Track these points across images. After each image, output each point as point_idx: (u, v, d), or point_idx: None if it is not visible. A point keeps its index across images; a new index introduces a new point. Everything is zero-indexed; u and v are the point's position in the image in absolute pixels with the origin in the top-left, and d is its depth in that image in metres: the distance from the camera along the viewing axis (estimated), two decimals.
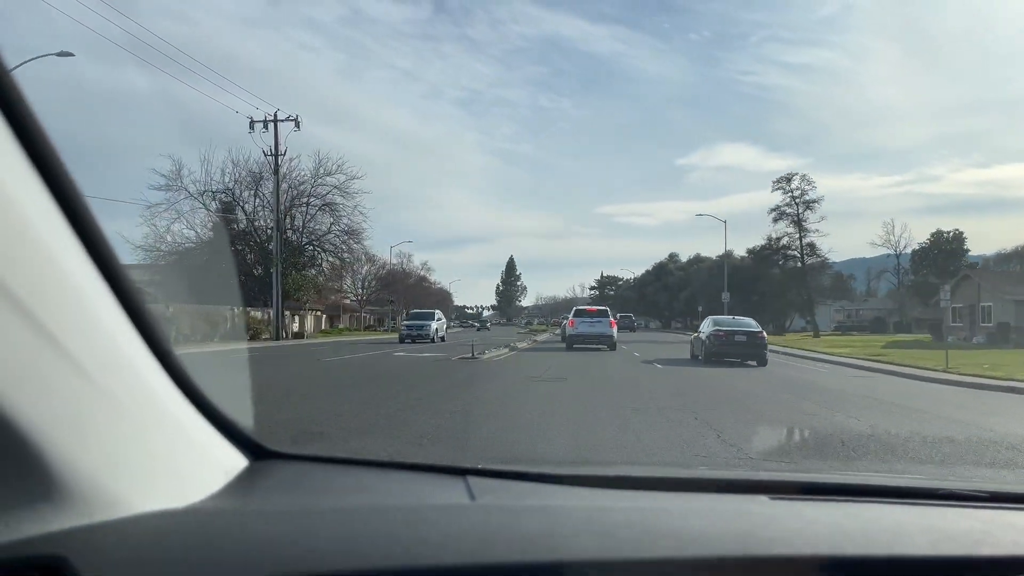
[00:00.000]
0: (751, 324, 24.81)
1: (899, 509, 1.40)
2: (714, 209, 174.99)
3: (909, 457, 7.54)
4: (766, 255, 79.50)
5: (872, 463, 7.14)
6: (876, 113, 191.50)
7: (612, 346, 30.83)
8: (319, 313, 71.43)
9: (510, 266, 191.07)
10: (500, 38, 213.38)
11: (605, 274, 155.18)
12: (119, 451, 1.04)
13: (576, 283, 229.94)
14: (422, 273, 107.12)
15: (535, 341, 42.19)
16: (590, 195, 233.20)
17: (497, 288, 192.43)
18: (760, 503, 1.37)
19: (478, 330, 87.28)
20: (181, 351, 1.30)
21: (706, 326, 25.57)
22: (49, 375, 0.92)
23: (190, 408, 1.24)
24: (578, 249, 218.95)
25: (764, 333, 24.16)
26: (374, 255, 72.98)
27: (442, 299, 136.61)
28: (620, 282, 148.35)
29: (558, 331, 45.36)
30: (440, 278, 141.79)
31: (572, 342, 31.30)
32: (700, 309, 76.02)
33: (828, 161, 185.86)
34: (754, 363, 23.22)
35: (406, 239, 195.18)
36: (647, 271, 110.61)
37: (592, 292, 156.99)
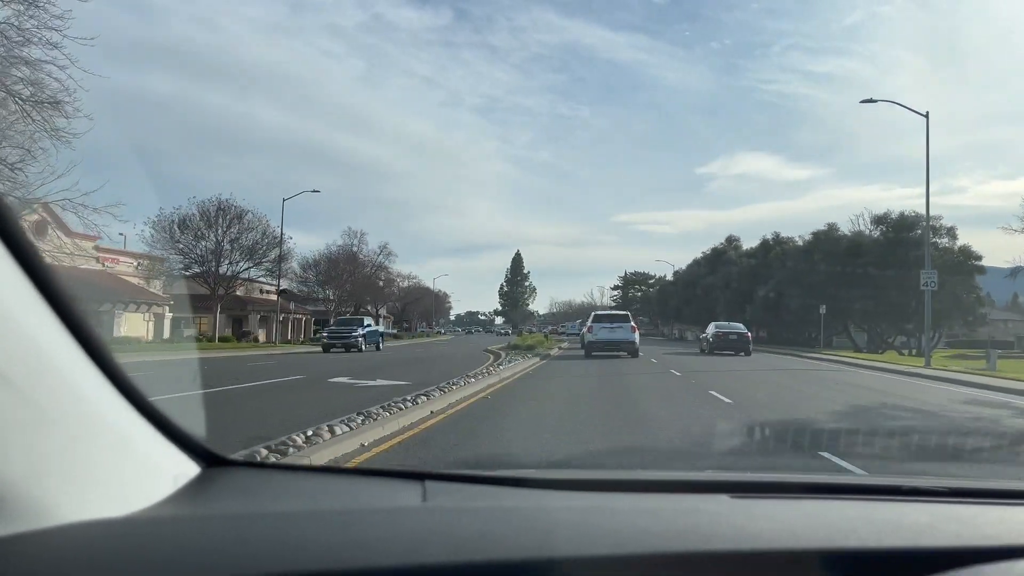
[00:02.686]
0: (740, 327, 36.30)
1: (854, 505, 1.42)
2: (733, 219, 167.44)
3: None
4: (898, 224, 48.81)
5: None
6: (900, 123, 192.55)
7: (634, 353, 29.30)
8: (155, 308, 41.49)
9: (516, 264, 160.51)
10: (520, 45, 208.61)
11: (631, 272, 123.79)
12: (48, 459, 1.00)
13: (595, 285, 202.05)
14: (380, 260, 76.80)
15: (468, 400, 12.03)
16: (608, 203, 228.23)
17: (501, 289, 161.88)
18: (719, 502, 1.38)
19: (327, 341, 37.92)
20: None
21: (710, 329, 37.25)
22: None
23: (135, 415, 1.20)
24: (596, 257, 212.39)
25: (749, 333, 35.53)
26: (244, 209, 42.73)
27: (417, 298, 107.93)
28: (651, 280, 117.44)
29: (565, 343, 42.24)
30: (442, 283, 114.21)
31: (591, 349, 30.04)
32: (823, 312, 45.72)
33: (850, 171, 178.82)
34: (743, 353, 33.17)
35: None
36: (695, 261, 79.84)
37: (614, 295, 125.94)
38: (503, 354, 29.38)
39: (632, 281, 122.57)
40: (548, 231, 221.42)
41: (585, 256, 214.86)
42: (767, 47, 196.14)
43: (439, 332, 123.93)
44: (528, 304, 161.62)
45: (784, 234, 64.86)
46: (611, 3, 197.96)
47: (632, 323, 30.48)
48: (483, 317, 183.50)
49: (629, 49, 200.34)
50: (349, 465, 6.35)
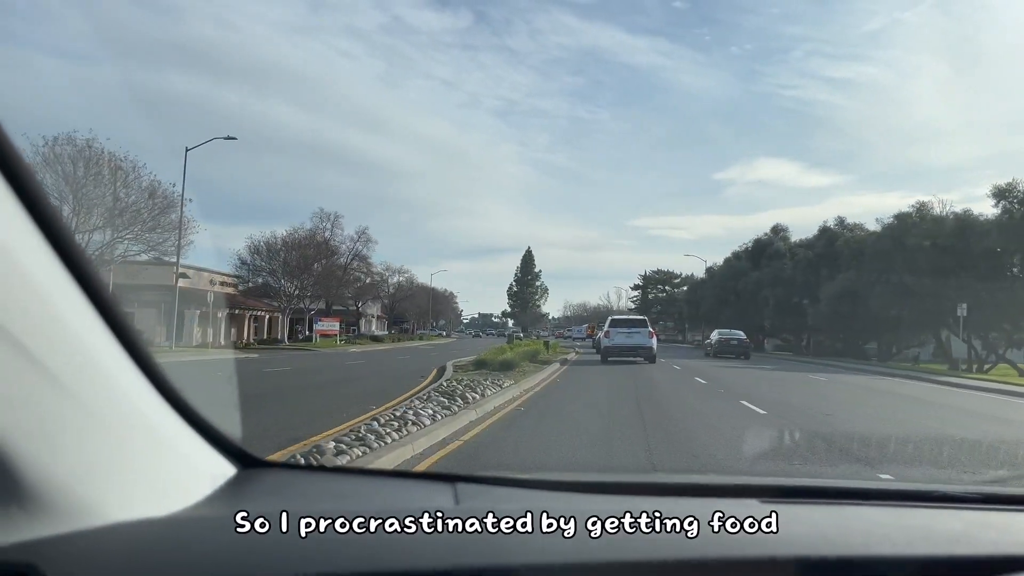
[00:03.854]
0: (740, 334, 41.00)
1: (886, 511, 1.45)
2: (751, 225, 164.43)
3: None
4: None
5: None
6: (920, 131, 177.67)
7: (651, 358, 28.77)
8: None
9: (526, 262, 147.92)
10: (539, 48, 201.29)
11: (652, 271, 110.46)
12: (94, 459, 1.03)
13: (611, 287, 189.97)
14: (358, 248, 64.52)
15: None
16: (625, 207, 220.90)
17: (510, 289, 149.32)
18: (749, 507, 1.38)
19: None
20: None
21: (713, 335, 41.94)
22: (16, 383, 0.90)
23: (174, 416, 1.23)
24: (612, 261, 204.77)
25: (748, 339, 41.05)
26: (112, 154, 29.91)
27: (408, 295, 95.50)
28: (677, 279, 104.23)
29: (572, 353, 38.36)
30: (454, 283, 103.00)
31: (608, 354, 29.52)
32: (962, 314, 32.66)
33: (869, 179, 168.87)
34: (743, 357, 37.60)
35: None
36: (734, 254, 66.43)
37: (634, 296, 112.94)
38: (446, 374, 16.97)
39: (654, 281, 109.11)
40: (564, 234, 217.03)
41: (601, 260, 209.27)
42: (786, 52, 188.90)
43: (441, 334, 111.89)
44: (539, 305, 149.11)
45: (850, 219, 51.79)
46: (630, 6, 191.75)
47: (649, 328, 30.34)
48: (497, 319, 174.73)
49: (648, 53, 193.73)
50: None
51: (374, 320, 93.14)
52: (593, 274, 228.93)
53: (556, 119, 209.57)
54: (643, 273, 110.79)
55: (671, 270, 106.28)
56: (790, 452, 8.13)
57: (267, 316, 57.16)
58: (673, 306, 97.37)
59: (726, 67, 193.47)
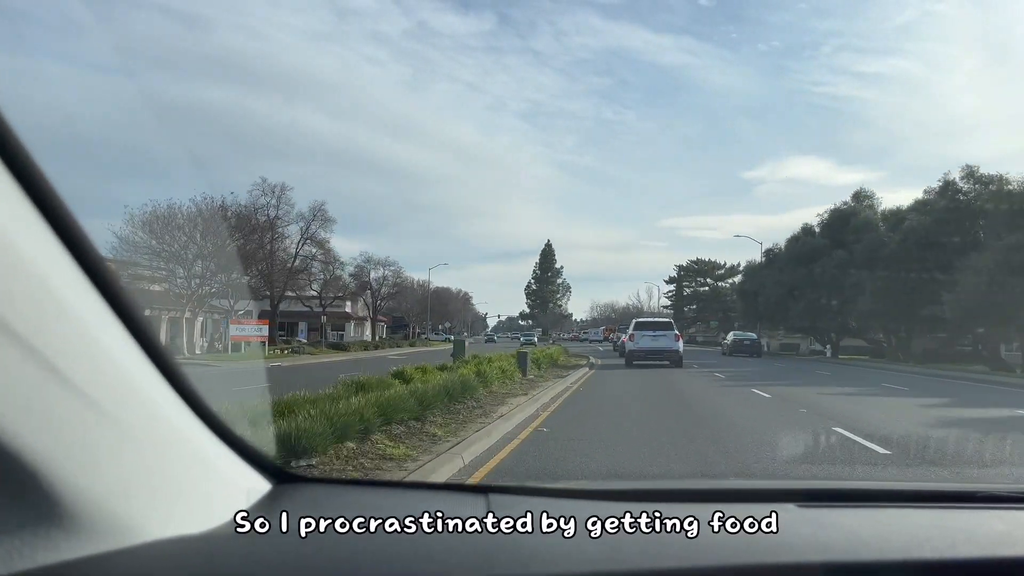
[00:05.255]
0: (752, 336, 46.13)
1: (927, 513, 1.43)
2: (782, 224, 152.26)
3: None
4: None
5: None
6: (954, 124, 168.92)
7: (677, 362, 28.11)
8: None
9: (546, 257, 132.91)
10: (564, 50, 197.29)
11: (691, 261, 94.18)
12: (131, 478, 1.04)
13: (642, 284, 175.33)
14: (314, 231, 50.16)
15: None
16: (654, 207, 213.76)
17: (528, 287, 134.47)
18: (786, 511, 1.38)
19: None
20: None
21: (729, 336, 47.50)
22: (54, 404, 0.90)
23: (207, 433, 1.24)
24: (642, 261, 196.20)
25: (759, 340, 45.35)
26: None
27: (394, 294, 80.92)
28: (720, 269, 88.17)
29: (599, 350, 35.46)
30: (472, 285, 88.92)
31: (632, 358, 28.76)
32: None
33: (903, 175, 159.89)
34: (756, 356, 41.83)
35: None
36: (804, 229, 50.06)
37: (668, 291, 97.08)
38: None
39: (692, 272, 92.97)
40: (592, 235, 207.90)
41: (631, 261, 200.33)
42: (816, 48, 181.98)
43: (448, 338, 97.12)
44: (561, 304, 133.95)
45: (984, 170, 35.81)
46: (655, 5, 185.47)
47: (676, 331, 29.71)
48: (523, 323, 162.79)
49: (674, 52, 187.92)
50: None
51: (367, 324, 79.28)
52: (623, 275, 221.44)
53: (582, 120, 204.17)
54: (680, 264, 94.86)
55: (713, 260, 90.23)
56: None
57: (199, 319, 43.24)
58: (716, 302, 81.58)
59: (754, 64, 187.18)
